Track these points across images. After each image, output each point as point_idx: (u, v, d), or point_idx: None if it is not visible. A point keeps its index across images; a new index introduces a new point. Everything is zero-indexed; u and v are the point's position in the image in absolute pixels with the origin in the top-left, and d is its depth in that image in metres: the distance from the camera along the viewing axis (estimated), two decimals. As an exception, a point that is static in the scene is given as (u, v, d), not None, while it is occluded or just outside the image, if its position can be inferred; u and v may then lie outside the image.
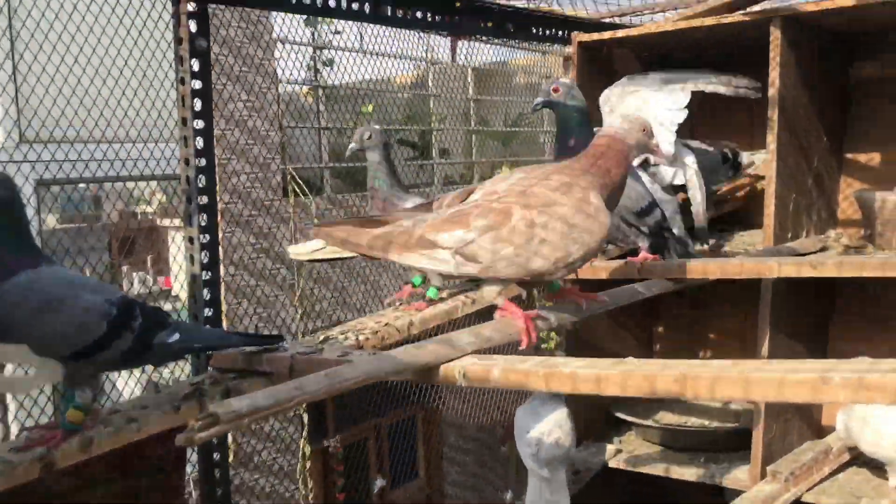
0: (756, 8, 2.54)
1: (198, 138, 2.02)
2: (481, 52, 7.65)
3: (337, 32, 6.49)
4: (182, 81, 1.99)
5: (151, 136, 4.17)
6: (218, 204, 2.05)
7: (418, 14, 2.59)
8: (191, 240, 2.02)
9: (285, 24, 5.58)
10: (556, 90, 2.10)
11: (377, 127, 2.03)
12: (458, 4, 2.65)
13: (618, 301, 1.85)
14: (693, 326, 3.31)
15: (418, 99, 7.87)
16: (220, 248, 2.11)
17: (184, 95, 1.98)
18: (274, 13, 5.53)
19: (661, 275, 2.02)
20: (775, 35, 2.44)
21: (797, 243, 2.57)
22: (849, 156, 3.01)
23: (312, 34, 6.29)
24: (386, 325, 2.12)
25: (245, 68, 5.81)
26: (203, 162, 2.03)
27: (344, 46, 6.35)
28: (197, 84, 2.00)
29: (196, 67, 2.00)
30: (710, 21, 2.58)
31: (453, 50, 7.20)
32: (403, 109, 7.93)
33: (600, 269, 2.22)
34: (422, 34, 6.29)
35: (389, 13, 2.49)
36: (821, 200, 2.86)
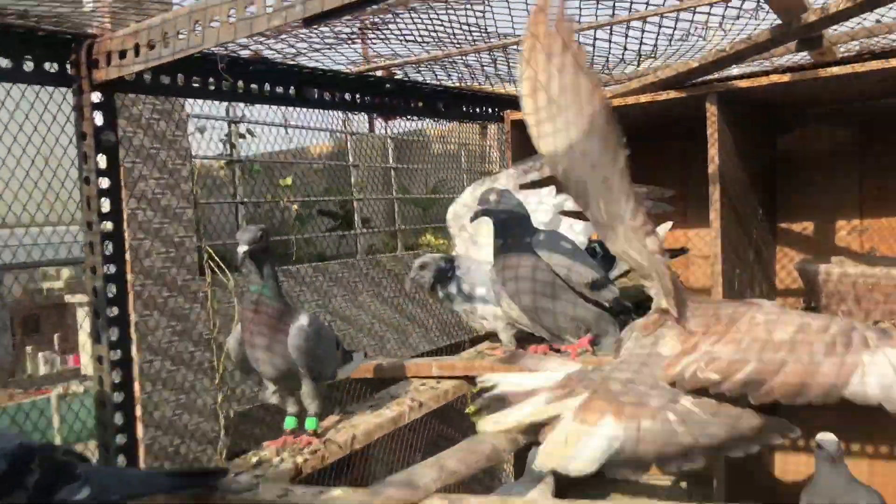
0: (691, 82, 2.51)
1: (106, 243, 1.79)
2: (399, 122, 7.62)
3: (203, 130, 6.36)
4: (87, 181, 1.77)
5: (62, 220, 3.89)
6: (131, 316, 1.81)
7: (346, 96, 2.46)
8: (100, 359, 1.78)
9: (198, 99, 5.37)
10: (495, 198, 2.01)
11: None
12: (387, 86, 2.53)
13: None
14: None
15: (338, 169, 7.75)
16: (135, 365, 1.87)
17: (89, 197, 1.77)
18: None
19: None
20: (712, 111, 2.42)
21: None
22: (782, 226, 3.02)
23: (227, 108, 6.10)
24: (325, 441, 1.91)
25: (157, 145, 5.54)
26: (112, 269, 1.81)
27: (260, 120, 6.19)
28: (104, 183, 1.79)
29: (103, 164, 1.79)
30: (644, 98, 2.54)
31: (371, 122, 7.14)
32: (323, 180, 7.78)
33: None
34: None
35: (316, 96, 2.35)
36: (761, 273, 2.83)
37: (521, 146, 2.84)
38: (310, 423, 1.79)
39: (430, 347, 6.85)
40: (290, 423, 1.85)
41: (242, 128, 6.46)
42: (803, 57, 2.70)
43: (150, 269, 5.44)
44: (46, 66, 1.73)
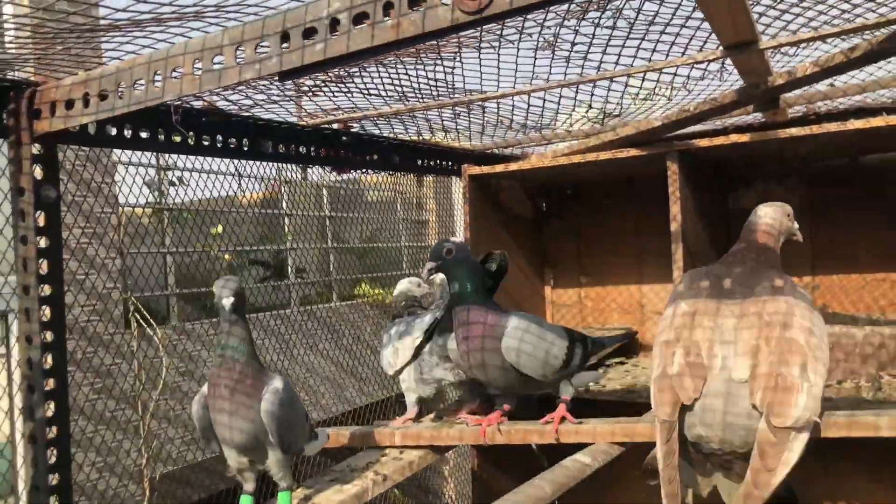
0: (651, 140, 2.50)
1: (44, 308, 1.62)
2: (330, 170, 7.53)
3: (179, 180, 6.16)
4: (24, 241, 1.61)
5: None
6: (68, 393, 1.64)
7: (301, 149, 2.35)
8: (33, 439, 1.59)
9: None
10: (449, 252, 1.88)
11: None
12: (344, 139, 2.44)
13: (564, 485, 1.61)
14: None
15: (270, 218, 7.57)
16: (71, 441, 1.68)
17: (26, 258, 1.60)
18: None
19: (602, 437, 1.81)
20: (673, 169, 2.41)
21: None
22: (736, 282, 3.02)
23: (157, 154, 5.89)
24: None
25: (82, 192, 5.27)
26: (50, 336, 1.63)
27: (190, 166, 5.99)
28: (43, 242, 1.63)
29: (42, 222, 1.63)
30: (605, 155, 2.52)
31: (304, 169, 7.02)
32: (255, 229, 7.57)
33: (514, 433, 1.95)
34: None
35: (270, 149, 2.24)
36: (718, 330, 2.81)
37: (478, 201, 2.78)
38: (283, 499, 1.62)
39: (368, 401, 6.65)
40: (245, 502, 1.67)
41: (173, 174, 6.24)
42: (755, 117, 2.75)
43: (72, 324, 5.13)
44: (-21, 114, 1.58)
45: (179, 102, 1.79)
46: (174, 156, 6.03)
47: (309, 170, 7.39)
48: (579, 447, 1.82)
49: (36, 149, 1.62)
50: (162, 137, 1.94)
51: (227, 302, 1.48)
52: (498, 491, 1.75)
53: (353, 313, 7.61)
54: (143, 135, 1.89)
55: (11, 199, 1.63)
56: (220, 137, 2.10)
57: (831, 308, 2.85)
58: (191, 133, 1.98)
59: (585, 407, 2.02)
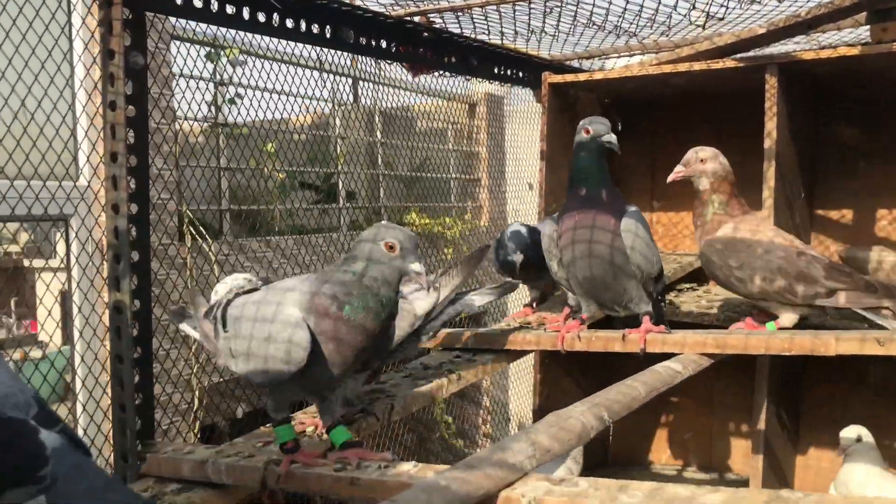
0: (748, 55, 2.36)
1: (130, 179, 1.58)
2: (385, 96, 7.42)
3: (242, 63, 6.02)
4: (112, 106, 1.56)
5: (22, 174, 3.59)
6: (150, 266, 1.61)
7: (382, 43, 2.27)
8: (118, 308, 1.57)
9: (188, 57, 5.11)
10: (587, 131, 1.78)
11: None
12: (425, 34, 2.34)
13: (656, 388, 1.55)
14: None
15: (320, 141, 7.51)
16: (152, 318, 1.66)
17: (115, 124, 1.55)
18: (175, 45, 5.07)
19: (689, 348, 1.74)
20: (771, 83, 2.28)
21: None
22: (819, 212, 2.90)
23: (214, 69, 5.82)
24: (362, 411, 1.73)
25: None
26: (135, 208, 1.60)
27: (245, 83, 5.92)
28: (132, 111, 1.58)
29: (130, 90, 1.58)
30: (699, 66, 2.39)
31: (356, 93, 6.90)
32: (305, 151, 7.52)
33: (594, 341, 1.89)
34: (327, 75, 5.97)
35: (351, 39, 2.15)
36: (799, 259, 2.70)
37: (555, 111, 2.68)
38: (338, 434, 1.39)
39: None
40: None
41: (231, 91, 6.18)
42: (857, 37, 2.58)
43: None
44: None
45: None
46: (231, 72, 5.96)
47: (360, 94, 7.28)
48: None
49: (125, 12, 1.56)
50: (247, 16, 1.86)
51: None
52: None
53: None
54: (230, 10, 1.81)
55: (101, 63, 1.58)
56: (303, 22, 2.02)
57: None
58: (273, 14, 1.91)
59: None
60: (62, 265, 3.00)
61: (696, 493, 0.95)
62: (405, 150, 8.56)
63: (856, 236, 2.81)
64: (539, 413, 2.71)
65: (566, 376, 2.74)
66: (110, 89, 1.55)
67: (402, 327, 1.56)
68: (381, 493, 1.15)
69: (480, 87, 7.53)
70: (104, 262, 1.78)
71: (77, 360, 2.92)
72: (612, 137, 1.75)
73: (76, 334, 2.72)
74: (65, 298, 2.96)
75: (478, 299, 1.84)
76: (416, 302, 1.62)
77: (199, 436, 3.46)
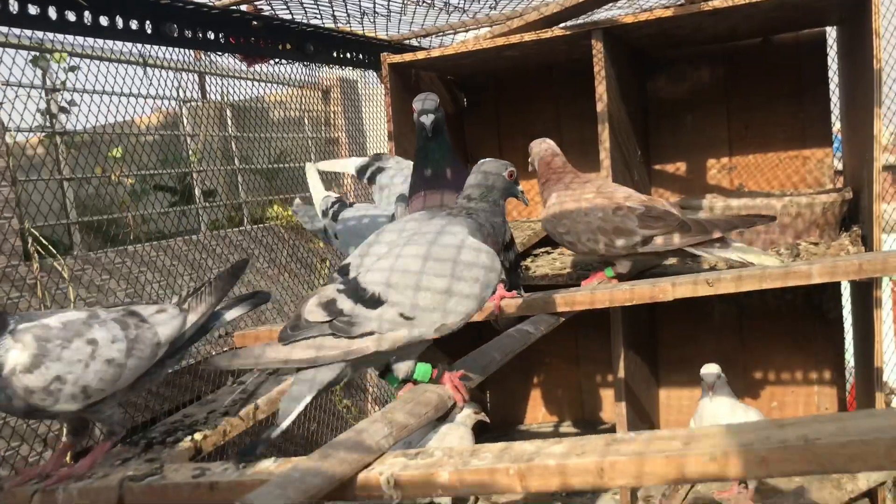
0: (574, 22, 2.45)
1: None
2: (235, 89, 7.22)
3: (73, 69, 5.67)
4: None
5: None
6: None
7: (209, 35, 2.19)
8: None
9: (14, 65, 4.77)
10: (438, 108, 1.73)
11: None
12: (254, 23, 2.28)
13: (513, 348, 1.61)
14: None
15: (171, 141, 7.20)
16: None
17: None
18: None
19: (541, 310, 1.81)
20: (597, 48, 2.37)
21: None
22: (656, 167, 3.07)
23: (44, 75, 5.44)
24: (224, 414, 1.70)
25: (-42, 114, 4.84)
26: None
27: (81, 88, 5.57)
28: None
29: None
30: (529, 36, 2.46)
31: (203, 88, 6.67)
32: (155, 154, 7.19)
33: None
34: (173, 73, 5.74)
35: (175, 34, 2.07)
36: (641, 213, 2.85)
37: (399, 91, 2.69)
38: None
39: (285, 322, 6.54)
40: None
41: (62, 98, 5.80)
42: (673, 2, 2.73)
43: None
44: None
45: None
46: (63, 77, 5.60)
47: (209, 89, 7.05)
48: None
49: None
50: (54, 15, 1.75)
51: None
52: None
53: (267, 236, 7.41)
54: (32, 10, 1.70)
55: None
56: (119, 19, 1.92)
57: (747, 187, 2.93)
58: (85, 12, 1.80)
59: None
60: None
61: (541, 447, 0.99)
62: (261, 142, 8.34)
63: (690, 186, 2.99)
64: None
65: (438, 352, 2.78)
66: None
67: (141, 358, 1.35)
68: (241, 493, 1.12)
69: (333, 73, 7.43)
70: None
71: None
72: (426, 118, 1.70)
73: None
74: None
75: (229, 315, 1.57)
76: (159, 327, 1.39)
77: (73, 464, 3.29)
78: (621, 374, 2.45)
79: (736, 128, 2.95)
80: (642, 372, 2.78)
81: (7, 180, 5.56)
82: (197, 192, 7.84)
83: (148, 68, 6.19)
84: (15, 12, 1.67)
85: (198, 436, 1.58)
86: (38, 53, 5.44)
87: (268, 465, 1.19)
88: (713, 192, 2.92)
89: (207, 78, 7.35)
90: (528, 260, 2.71)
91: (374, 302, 1.19)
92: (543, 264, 2.66)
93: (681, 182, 3.02)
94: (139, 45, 3.93)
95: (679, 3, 2.72)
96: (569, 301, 1.81)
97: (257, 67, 6.37)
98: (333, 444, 1.10)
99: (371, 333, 1.18)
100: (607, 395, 3.16)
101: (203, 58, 5.85)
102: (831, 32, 2.85)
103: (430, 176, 1.81)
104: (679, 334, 3.03)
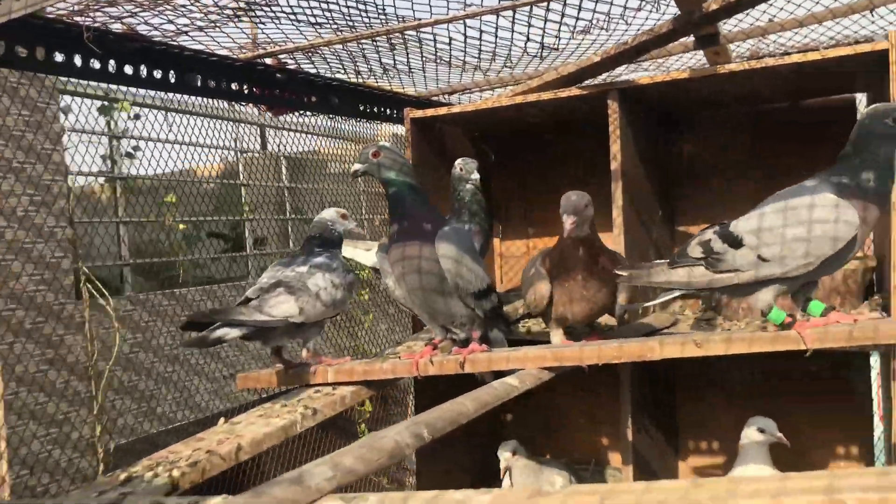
0: (592, 82, 2.47)
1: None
2: (293, 142, 7.48)
3: (136, 117, 5.97)
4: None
5: None
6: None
7: (233, 86, 2.29)
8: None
9: (80, 112, 5.07)
10: (375, 154, 1.86)
11: None
12: (278, 76, 2.38)
13: (487, 403, 1.59)
14: (542, 410, 3.13)
15: (228, 190, 7.45)
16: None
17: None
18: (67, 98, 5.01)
19: (532, 364, 1.79)
20: (613, 108, 2.38)
21: (651, 318, 2.47)
22: (680, 229, 3.03)
23: (108, 122, 5.73)
24: (207, 452, 1.72)
25: (29, 159, 5.11)
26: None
27: (145, 136, 5.85)
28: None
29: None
30: (546, 95, 2.49)
31: (263, 139, 6.92)
32: (211, 200, 7.43)
33: (446, 364, 1.93)
34: (233, 124, 6.01)
35: (198, 84, 2.17)
36: (661, 274, 2.81)
37: (422, 146, 2.74)
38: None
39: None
40: None
41: (129, 144, 6.07)
42: (699, 62, 2.73)
43: (20, 293, 4.98)
44: None
45: (92, 21, 1.72)
46: (129, 125, 5.89)
47: (268, 140, 7.31)
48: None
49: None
50: (79, 63, 1.86)
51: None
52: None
53: (313, 284, 7.54)
54: (59, 58, 1.81)
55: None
56: (143, 68, 2.03)
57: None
58: (110, 60, 1.91)
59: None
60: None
61: (469, 496, 0.98)
62: (313, 193, 8.55)
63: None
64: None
65: (440, 399, 2.76)
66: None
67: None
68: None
69: (386, 129, 7.62)
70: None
71: None
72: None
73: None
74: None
75: None
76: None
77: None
78: (629, 436, 2.39)
79: (763, 192, 2.89)
80: (653, 436, 2.70)
81: (66, 221, 5.78)
82: (247, 241, 8.02)
83: (209, 119, 6.45)
84: (41, 59, 1.78)
85: (175, 472, 1.60)
86: (105, 103, 5.74)
87: (216, 500, 1.19)
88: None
89: (267, 130, 7.65)
90: (532, 322, 2.69)
91: (738, 245, 1.60)
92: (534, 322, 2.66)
93: (705, 244, 2.97)
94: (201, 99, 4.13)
95: (705, 65, 2.72)
96: (558, 356, 1.79)
97: (313, 120, 6.55)
98: (271, 483, 1.11)
99: (733, 270, 1.59)
100: (615, 458, 3.08)
101: (264, 111, 6.07)
102: (862, 99, 2.80)
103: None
104: (698, 400, 2.94)
